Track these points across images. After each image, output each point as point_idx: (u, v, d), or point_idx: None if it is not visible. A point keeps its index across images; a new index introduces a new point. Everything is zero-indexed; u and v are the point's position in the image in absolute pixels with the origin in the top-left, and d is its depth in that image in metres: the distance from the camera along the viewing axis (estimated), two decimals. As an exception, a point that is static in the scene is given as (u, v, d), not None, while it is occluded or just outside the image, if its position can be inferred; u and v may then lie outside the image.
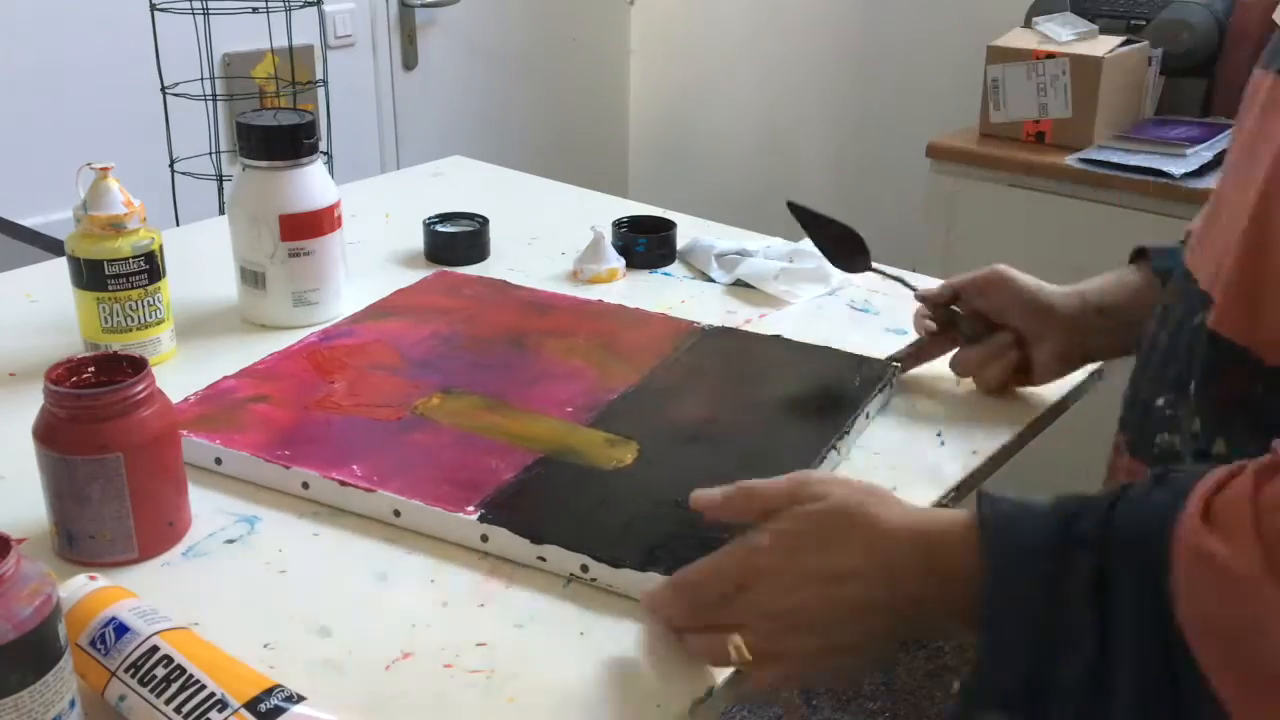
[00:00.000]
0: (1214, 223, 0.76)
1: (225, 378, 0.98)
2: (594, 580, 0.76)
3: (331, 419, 0.92)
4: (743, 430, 0.93)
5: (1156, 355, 0.79)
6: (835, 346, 1.06)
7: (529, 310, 1.13)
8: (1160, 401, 0.76)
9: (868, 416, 0.97)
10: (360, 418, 0.92)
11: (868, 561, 0.63)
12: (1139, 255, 0.97)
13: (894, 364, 1.03)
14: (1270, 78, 0.73)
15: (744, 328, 1.13)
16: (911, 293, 1.05)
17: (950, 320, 1.02)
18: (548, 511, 0.81)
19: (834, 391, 0.99)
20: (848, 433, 0.92)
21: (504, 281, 1.21)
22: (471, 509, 0.80)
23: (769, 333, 1.10)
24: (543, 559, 0.78)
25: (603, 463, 0.87)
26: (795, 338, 1.09)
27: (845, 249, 1.08)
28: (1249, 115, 0.75)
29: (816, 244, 1.11)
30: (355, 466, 0.85)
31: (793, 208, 1.08)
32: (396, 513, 0.82)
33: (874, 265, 1.08)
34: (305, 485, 0.85)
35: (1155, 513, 0.58)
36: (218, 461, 0.87)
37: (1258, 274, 0.67)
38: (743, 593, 0.65)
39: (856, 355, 1.04)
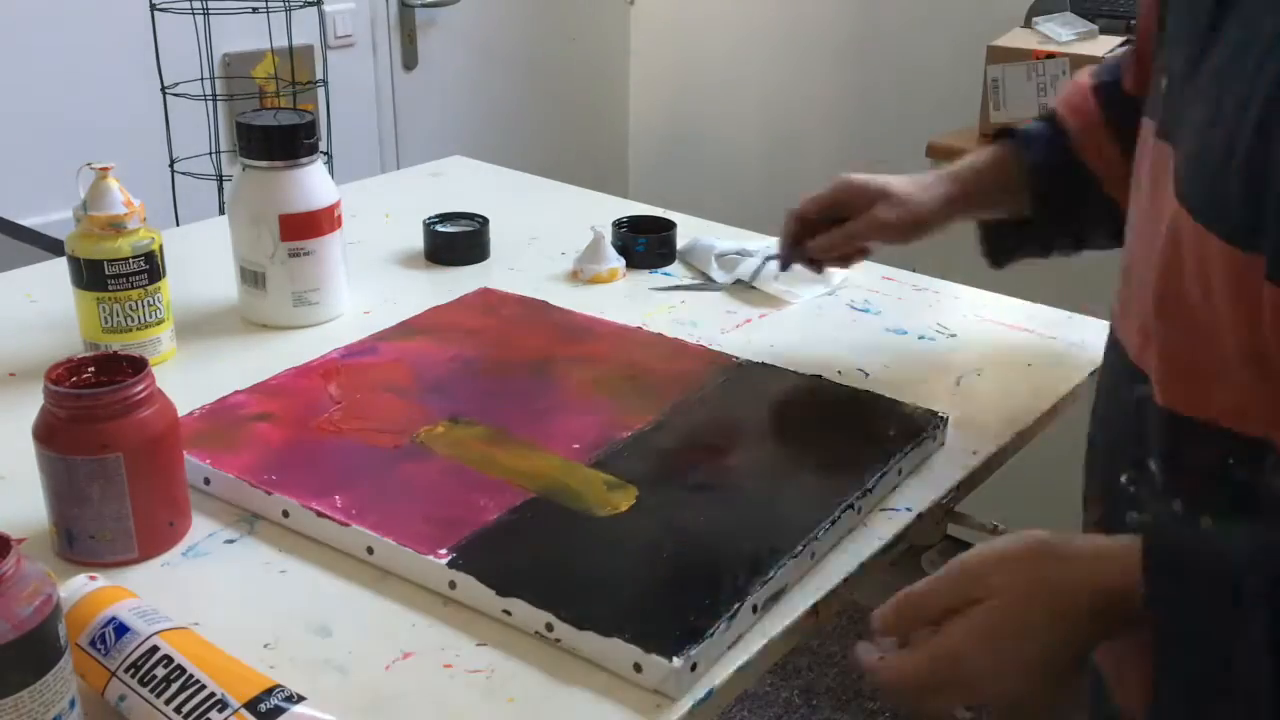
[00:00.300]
0: (1128, 290, 0.75)
1: (236, 392, 0.96)
2: (558, 641, 0.71)
3: (328, 443, 0.90)
4: (753, 480, 0.86)
5: (1107, 426, 0.78)
6: (883, 394, 0.98)
7: (562, 335, 1.09)
8: (1123, 479, 0.74)
9: (899, 473, 0.88)
10: (358, 443, 0.90)
11: (1057, 640, 0.63)
12: (1003, 135, 1.04)
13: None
14: (1152, 134, 0.73)
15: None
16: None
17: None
18: (522, 560, 0.76)
19: (866, 441, 0.91)
20: (869, 491, 0.84)
21: (545, 303, 1.16)
22: (443, 552, 0.76)
23: (809, 371, 1.02)
24: (508, 613, 0.73)
25: (597, 507, 0.81)
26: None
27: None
28: (1143, 174, 0.75)
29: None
30: (338, 497, 0.82)
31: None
32: (369, 550, 0.78)
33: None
34: (285, 514, 0.82)
35: None
36: (206, 482, 0.86)
37: (1191, 351, 0.66)
38: (950, 691, 0.65)
39: (900, 403, 0.96)
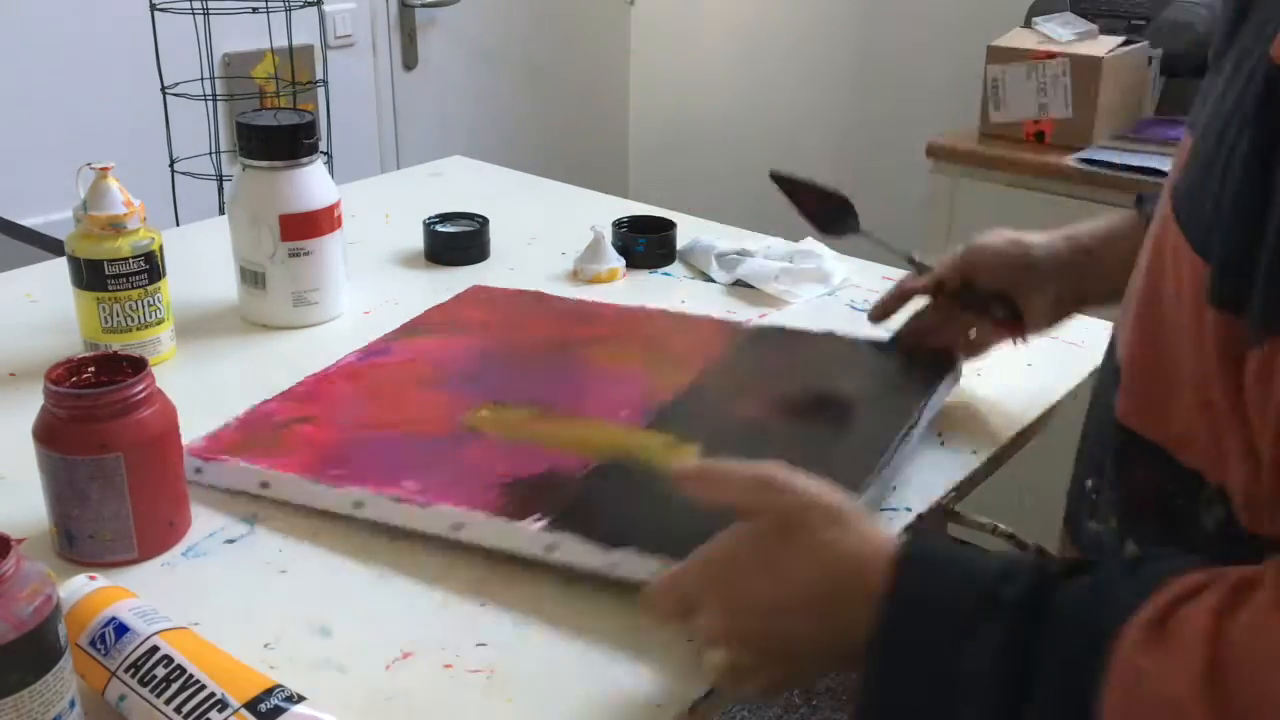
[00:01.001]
0: (1130, 290, 0.72)
1: (264, 401, 0.94)
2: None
3: (378, 437, 0.89)
4: (806, 425, 0.91)
5: (1087, 430, 0.75)
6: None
7: (569, 319, 1.11)
8: (1089, 484, 0.71)
9: (933, 408, 0.94)
10: (407, 433, 0.89)
11: (804, 595, 0.62)
12: (1139, 202, 0.93)
13: (947, 358, 1.00)
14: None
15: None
16: (909, 267, 1.04)
17: (951, 302, 0.99)
18: (617, 516, 0.79)
19: (896, 385, 0.98)
20: (915, 426, 0.89)
21: (540, 293, 1.18)
22: (537, 518, 0.77)
23: (820, 329, 1.08)
24: (615, 565, 0.74)
25: (665, 465, 0.83)
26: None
27: (830, 213, 1.05)
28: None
29: (802, 212, 1.07)
30: (408, 482, 0.81)
31: (775, 178, 1.05)
32: (456, 526, 0.78)
33: (862, 229, 1.05)
34: (358, 505, 0.81)
35: (1111, 602, 0.53)
36: (264, 485, 0.84)
37: (1154, 366, 0.62)
38: (698, 612, 0.65)
39: (914, 350, 1.02)
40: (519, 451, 0.86)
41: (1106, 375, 0.71)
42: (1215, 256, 0.55)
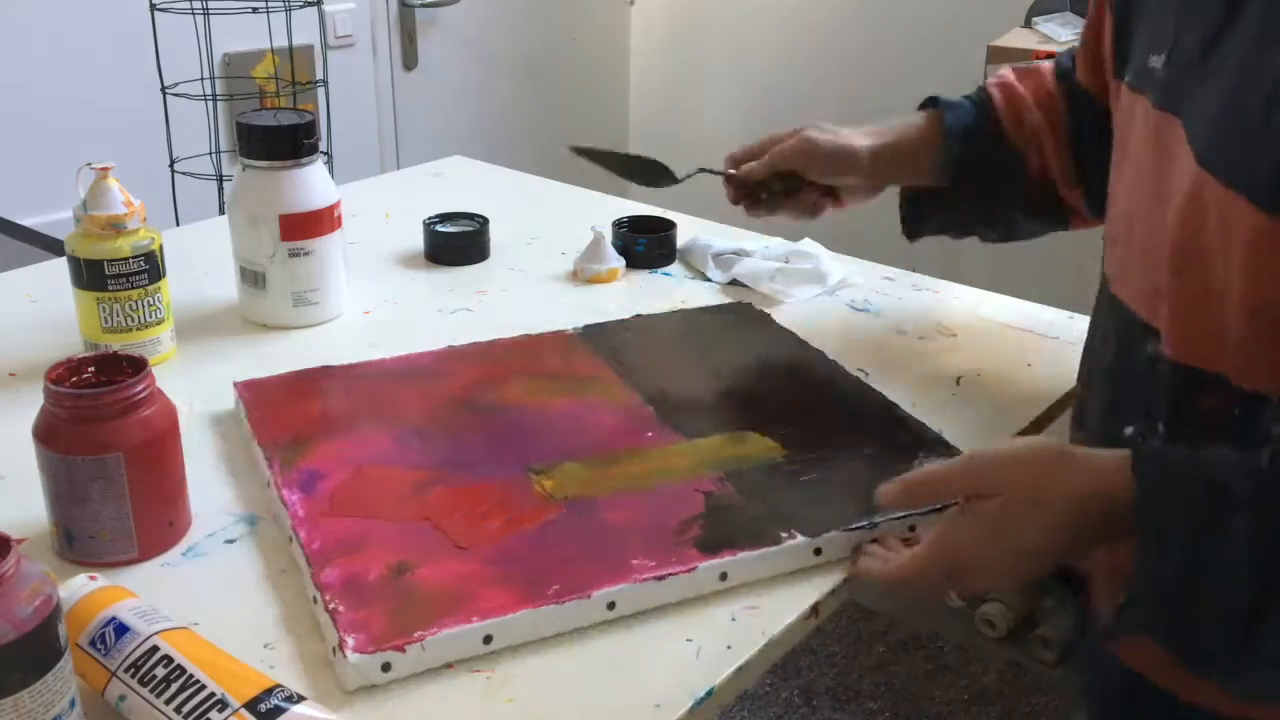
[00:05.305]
0: (1128, 252, 0.81)
1: (327, 571, 0.74)
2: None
3: (491, 551, 0.76)
4: (785, 384, 1.01)
5: (1109, 383, 0.82)
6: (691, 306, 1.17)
7: (442, 379, 0.99)
8: (1129, 430, 0.78)
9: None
10: (493, 529, 0.79)
11: (1052, 539, 0.70)
12: (930, 103, 1.09)
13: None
14: (1141, 102, 0.79)
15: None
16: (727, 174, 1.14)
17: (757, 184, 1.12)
18: (766, 512, 0.81)
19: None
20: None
21: (331, 366, 1.01)
22: (692, 556, 0.75)
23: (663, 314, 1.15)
24: (819, 551, 0.79)
25: (764, 457, 0.88)
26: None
27: (645, 172, 1.16)
28: (1134, 141, 0.80)
29: (615, 173, 1.17)
30: (554, 587, 0.73)
31: (576, 151, 1.15)
32: (723, 577, 0.76)
33: (680, 177, 1.17)
34: (611, 606, 0.73)
35: None
36: (486, 640, 0.70)
37: (1205, 307, 0.71)
38: (952, 579, 0.73)
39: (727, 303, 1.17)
40: (641, 499, 0.82)
41: (1130, 334, 0.78)
42: None
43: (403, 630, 0.68)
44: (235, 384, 0.97)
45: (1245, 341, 0.69)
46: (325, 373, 1.01)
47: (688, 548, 0.77)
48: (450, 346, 1.06)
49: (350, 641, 0.67)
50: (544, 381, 0.99)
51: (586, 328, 1.10)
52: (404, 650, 0.68)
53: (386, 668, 0.67)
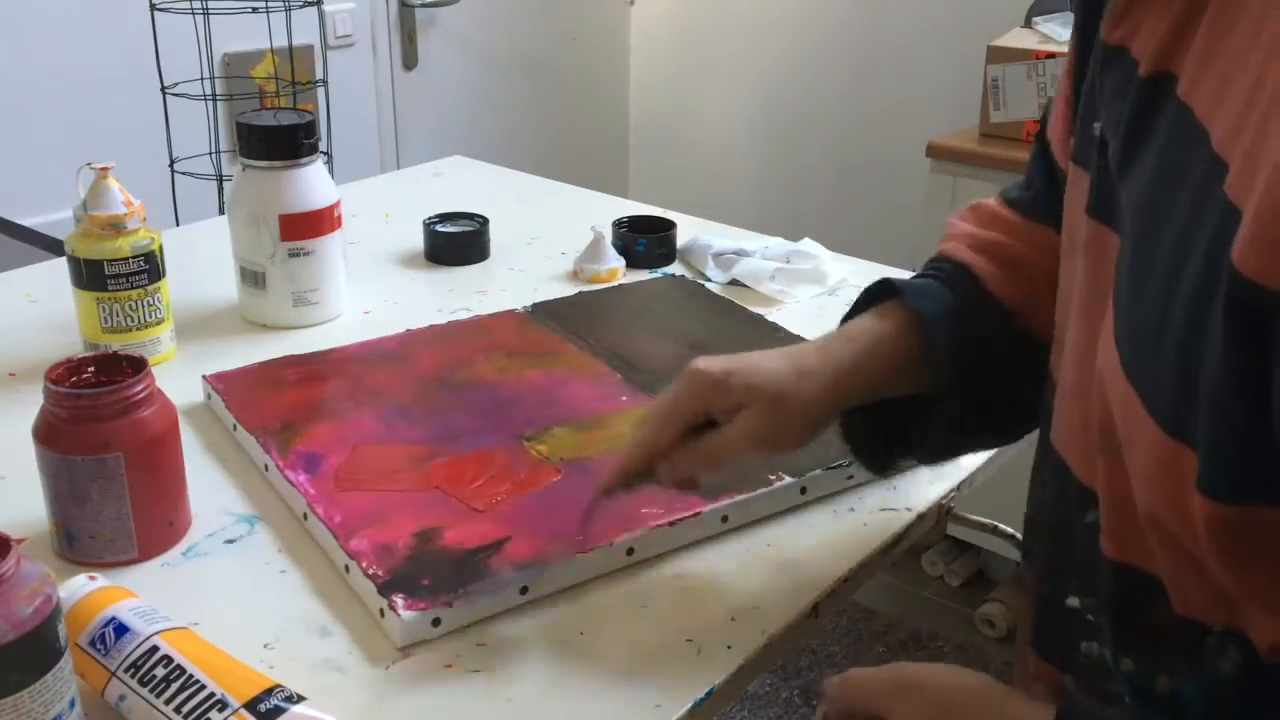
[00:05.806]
0: (1061, 401, 0.64)
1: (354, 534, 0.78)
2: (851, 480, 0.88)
3: (508, 511, 0.81)
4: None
5: (1049, 540, 0.67)
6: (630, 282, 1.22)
7: (407, 360, 1.02)
8: (1074, 603, 0.64)
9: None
10: (507, 493, 0.83)
11: None
12: (884, 293, 0.78)
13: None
14: (1086, 207, 0.62)
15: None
16: None
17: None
18: (761, 457, 0.83)
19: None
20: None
21: (284, 359, 1.03)
22: (700, 500, 0.81)
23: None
24: (804, 490, 0.86)
25: None
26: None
27: None
28: (1078, 248, 0.63)
29: None
30: (578, 538, 0.77)
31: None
32: (725, 519, 0.83)
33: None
34: (630, 552, 0.79)
35: None
36: (523, 591, 0.75)
37: (1132, 507, 0.55)
38: None
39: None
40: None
41: (1066, 494, 0.63)
42: (1201, 445, 0.49)
43: (445, 588, 0.73)
44: (205, 377, 1.00)
45: (1170, 562, 0.54)
46: (292, 360, 1.03)
47: (690, 495, 0.81)
48: (408, 330, 1.10)
49: (400, 601, 0.71)
50: (508, 358, 1.04)
51: (535, 305, 1.15)
52: (451, 605, 0.72)
53: (437, 623, 0.72)
